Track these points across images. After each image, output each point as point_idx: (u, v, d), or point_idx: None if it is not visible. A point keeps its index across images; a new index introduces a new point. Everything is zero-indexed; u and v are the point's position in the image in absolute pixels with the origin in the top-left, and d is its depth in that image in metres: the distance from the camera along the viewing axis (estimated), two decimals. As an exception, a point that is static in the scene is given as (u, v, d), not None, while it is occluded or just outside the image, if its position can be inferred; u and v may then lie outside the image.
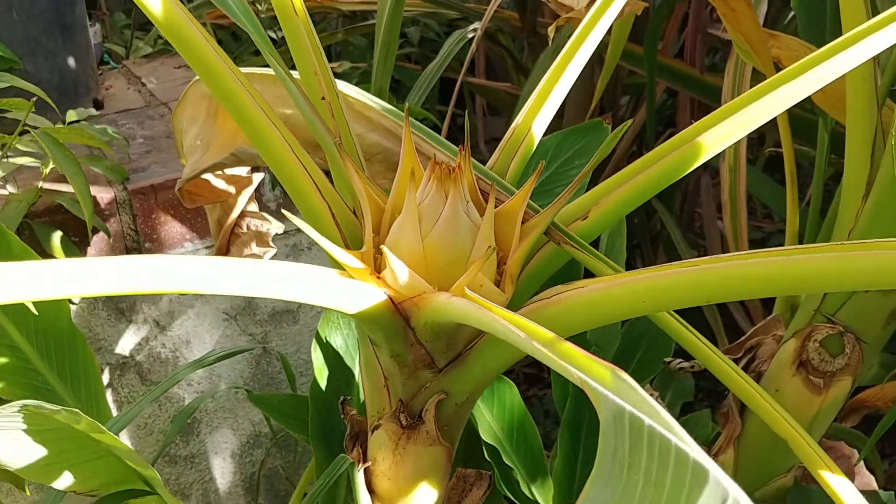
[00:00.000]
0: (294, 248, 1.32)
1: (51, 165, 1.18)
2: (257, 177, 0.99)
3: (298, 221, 0.61)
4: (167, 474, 1.32)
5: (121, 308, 1.23)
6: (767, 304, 1.59)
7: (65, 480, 0.70)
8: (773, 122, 1.65)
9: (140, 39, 1.94)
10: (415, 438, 0.80)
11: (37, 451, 0.66)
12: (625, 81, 2.07)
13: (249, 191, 0.98)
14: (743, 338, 1.06)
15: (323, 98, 0.74)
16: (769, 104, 0.67)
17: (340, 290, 0.63)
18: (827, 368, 0.95)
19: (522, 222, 0.71)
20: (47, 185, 1.19)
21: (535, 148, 0.76)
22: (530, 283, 0.73)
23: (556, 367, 0.46)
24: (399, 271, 0.64)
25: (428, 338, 0.70)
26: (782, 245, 1.39)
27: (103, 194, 1.19)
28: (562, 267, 0.77)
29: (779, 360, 1.00)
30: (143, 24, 2.11)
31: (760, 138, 2.35)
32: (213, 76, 0.65)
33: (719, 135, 0.68)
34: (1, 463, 0.65)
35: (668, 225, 1.80)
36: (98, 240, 1.20)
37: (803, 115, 1.51)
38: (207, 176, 0.95)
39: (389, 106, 0.80)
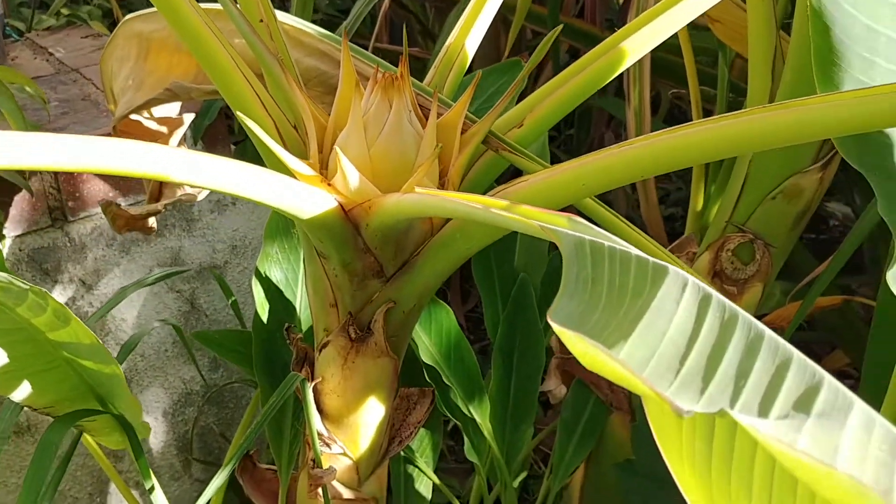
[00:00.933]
0: (218, 203, 1.33)
1: (-35, 123, 1.16)
2: (188, 117, 1.00)
3: (251, 123, 0.63)
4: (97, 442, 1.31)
5: (45, 269, 1.22)
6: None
7: (22, 391, 0.71)
8: (671, 77, 1.73)
9: (42, 13, 1.90)
10: (363, 351, 0.83)
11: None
12: (530, 43, 2.13)
13: (181, 132, 0.99)
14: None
15: (261, 20, 0.76)
16: (679, 13, 0.74)
17: (295, 192, 0.66)
18: (739, 276, 1.03)
19: (462, 132, 0.75)
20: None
21: (468, 65, 0.80)
22: (472, 191, 0.77)
23: (517, 225, 0.50)
24: (350, 175, 0.67)
25: (377, 244, 0.73)
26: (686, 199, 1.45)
27: (22, 152, 1.18)
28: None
29: (695, 272, 1.07)
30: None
31: (656, 102, 2.44)
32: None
33: (639, 41, 0.74)
34: None
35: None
36: (19, 199, 1.19)
37: (703, 70, 1.59)
38: (139, 118, 0.96)
39: (325, 31, 0.82)
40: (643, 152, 0.60)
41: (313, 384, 0.85)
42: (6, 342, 0.66)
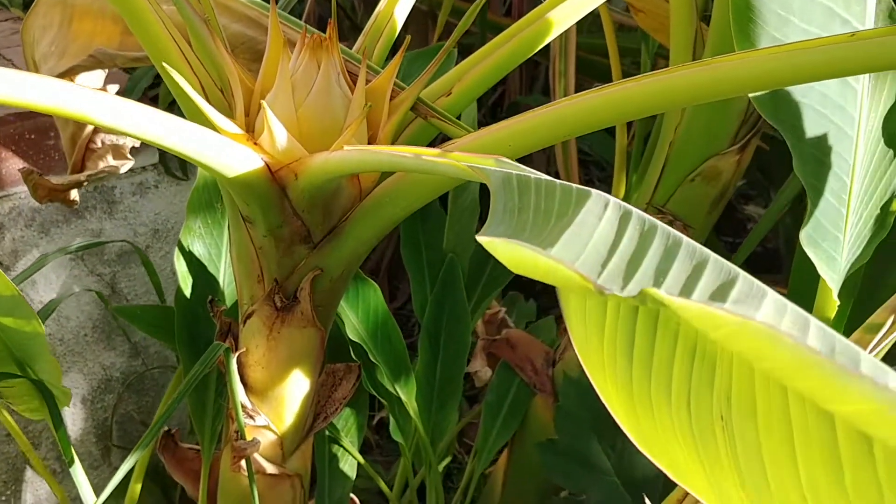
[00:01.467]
0: (140, 186, 1.31)
1: None
2: (112, 88, 0.98)
3: (177, 76, 0.63)
4: (14, 420, 1.27)
5: (-41, 248, 1.18)
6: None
7: None
8: (596, 76, 1.77)
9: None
10: (289, 321, 0.82)
11: None
12: (459, 41, 2.14)
13: (104, 103, 0.97)
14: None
15: (189, -18, 0.75)
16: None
17: (221, 148, 0.65)
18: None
19: (391, 99, 0.75)
20: None
21: (397, 33, 0.80)
22: (398, 158, 0.77)
23: (447, 169, 0.51)
24: (277, 133, 0.67)
25: (305, 207, 0.73)
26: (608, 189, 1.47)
27: (-66, 127, 1.14)
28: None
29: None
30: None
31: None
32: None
33: (565, 12, 0.75)
34: None
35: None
36: (-68, 175, 1.15)
37: (627, 71, 1.63)
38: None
39: (253, -2, 0.82)
40: (569, 111, 0.62)
41: (237, 355, 0.84)
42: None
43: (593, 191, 0.40)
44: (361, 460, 1.05)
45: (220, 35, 0.76)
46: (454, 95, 0.77)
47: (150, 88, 1.30)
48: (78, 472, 0.86)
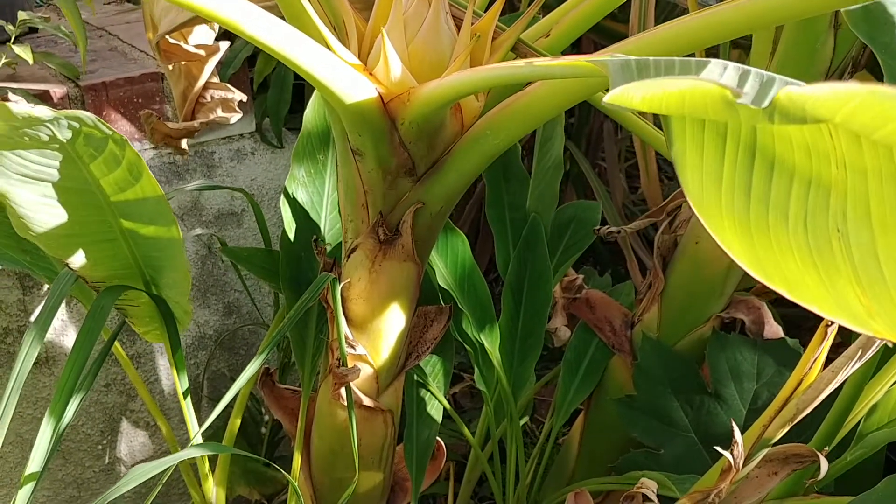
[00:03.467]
0: (238, 152, 1.38)
1: (2, 62, 1.21)
2: (223, 45, 1.05)
3: (308, 6, 0.68)
4: (114, 374, 1.34)
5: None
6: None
7: (78, 259, 0.75)
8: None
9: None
10: (391, 254, 0.88)
11: (59, 216, 0.70)
12: None
13: (215, 59, 1.04)
14: (663, 202, 1.18)
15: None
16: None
17: (343, 73, 0.71)
18: (740, 216, 1.08)
19: (493, 39, 0.80)
20: (-3, 83, 1.21)
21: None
22: (499, 98, 0.82)
23: (563, 71, 0.56)
24: (393, 63, 0.72)
25: (412, 139, 0.78)
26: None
27: (56, 89, 1.22)
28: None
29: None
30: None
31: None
32: None
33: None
34: (31, 224, 0.69)
35: (579, 159, 1.93)
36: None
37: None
38: (180, 42, 1.00)
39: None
40: (695, 24, 0.65)
41: (340, 286, 0.90)
42: (70, 202, 0.70)
43: (713, 59, 0.44)
44: (447, 405, 1.09)
45: (334, -21, 0.82)
46: (553, 37, 0.82)
47: (248, 58, 1.37)
48: (188, 408, 0.91)
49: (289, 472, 1.39)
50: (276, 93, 1.39)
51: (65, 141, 0.63)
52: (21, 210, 0.69)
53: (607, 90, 0.45)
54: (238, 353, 1.45)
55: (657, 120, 1.16)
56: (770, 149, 0.39)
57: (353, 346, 0.92)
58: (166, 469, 0.75)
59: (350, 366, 0.91)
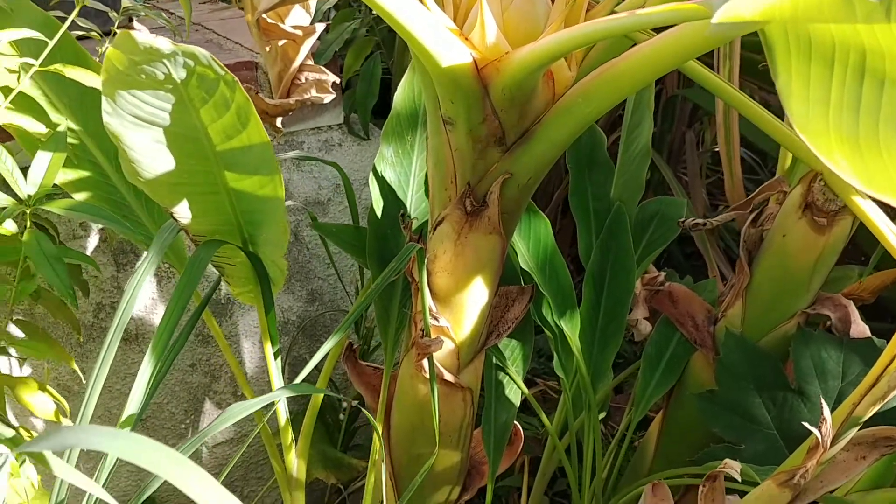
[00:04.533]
0: (326, 143, 1.41)
1: (106, 46, 1.26)
2: (319, 27, 1.08)
3: (409, -34, 0.70)
4: (199, 354, 1.38)
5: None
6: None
7: (183, 209, 0.78)
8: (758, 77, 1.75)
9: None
10: (477, 226, 0.89)
11: (168, 162, 0.73)
12: None
13: (311, 41, 1.07)
14: (751, 196, 1.17)
15: None
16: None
17: (440, 34, 0.72)
18: (830, 208, 1.06)
19: (587, 10, 0.81)
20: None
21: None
22: (591, 69, 0.83)
23: (669, 16, 0.56)
24: (489, 28, 0.74)
25: (504, 105, 0.79)
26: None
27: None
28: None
29: (786, 208, 1.11)
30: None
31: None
32: None
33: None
34: (140, 168, 0.72)
35: (661, 167, 1.92)
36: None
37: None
38: (277, 22, 1.04)
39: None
40: None
41: (426, 259, 0.91)
42: (179, 149, 0.73)
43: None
44: (525, 390, 1.10)
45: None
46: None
47: (337, 52, 1.41)
48: (274, 369, 0.93)
49: (365, 460, 1.41)
50: (365, 86, 1.42)
51: (179, 81, 0.66)
52: (132, 154, 0.72)
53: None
54: (319, 340, 1.47)
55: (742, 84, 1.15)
56: (880, 65, 0.39)
57: (436, 318, 0.93)
58: (244, 444, 0.76)
59: (433, 337, 0.92)
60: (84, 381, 1.27)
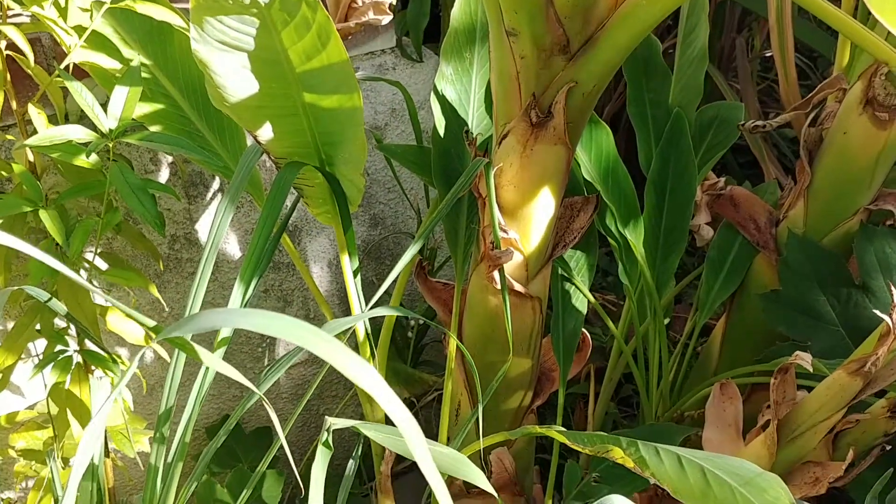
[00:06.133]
0: (380, 67, 1.43)
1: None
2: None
3: None
4: (272, 280, 1.43)
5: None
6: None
7: (266, 132, 0.81)
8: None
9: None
10: (542, 137, 0.91)
11: (252, 86, 0.76)
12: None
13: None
14: (809, 95, 1.17)
15: None
16: None
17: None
18: (892, 102, 1.06)
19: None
20: None
21: None
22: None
23: None
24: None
25: (567, 13, 0.80)
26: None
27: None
28: None
29: (846, 105, 1.11)
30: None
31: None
32: None
33: None
34: (226, 93, 0.75)
35: (713, 73, 1.91)
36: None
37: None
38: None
39: None
40: None
41: (494, 170, 0.93)
42: (262, 73, 0.76)
43: None
44: (591, 298, 1.12)
45: None
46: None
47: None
48: (353, 289, 0.97)
49: (434, 375, 1.46)
50: (416, 6, 1.43)
51: (263, 4, 0.68)
52: (218, 79, 0.75)
53: None
54: (384, 263, 1.51)
55: None
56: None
57: (505, 231, 0.96)
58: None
59: (503, 249, 0.95)
60: (166, 308, 1.32)
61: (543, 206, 0.96)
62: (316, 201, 0.92)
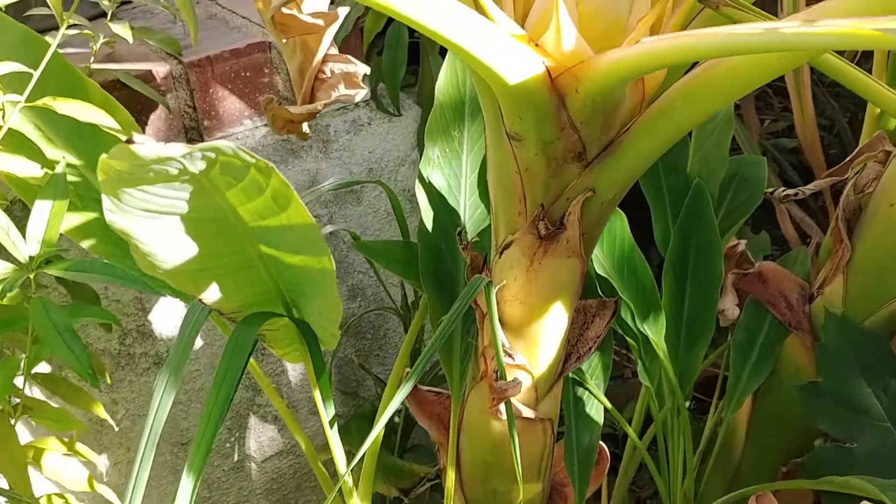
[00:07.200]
0: (354, 123, 1.26)
1: (101, 41, 1.12)
2: (342, 11, 0.93)
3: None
4: (237, 397, 1.27)
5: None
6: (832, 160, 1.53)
7: (212, 293, 0.65)
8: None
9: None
10: (553, 250, 0.75)
11: (189, 249, 0.60)
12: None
13: (333, 29, 0.92)
14: (848, 158, 1.02)
15: None
16: None
17: (506, 47, 0.58)
18: (950, 172, 0.92)
19: (675, -12, 0.66)
20: (96, 66, 1.12)
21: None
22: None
23: (828, 41, 0.41)
24: (566, 31, 0.59)
25: (585, 118, 0.65)
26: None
27: (158, 68, 1.13)
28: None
29: (891, 172, 0.96)
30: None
31: None
32: None
33: None
34: (156, 261, 0.59)
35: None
36: (155, 118, 1.14)
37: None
38: (294, 12, 0.89)
39: None
40: None
41: (498, 286, 0.78)
42: (201, 233, 0.60)
43: None
44: (608, 405, 0.98)
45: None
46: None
47: (359, 18, 1.25)
48: (334, 440, 0.81)
49: (425, 464, 1.31)
50: (392, 54, 1.27)
51: (197, 172, 0.52)
52: (145, 247, 0.59)
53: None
54: (365, 338, 1.36)
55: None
56: None
57: (510, 356, 0.80)
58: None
59: (509, 379, 0.80)
60: (114, 425, 1.17)
61: (554, 321, 0.81)
62: (281, 343, 0.76)
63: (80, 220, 0.83)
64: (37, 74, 0.76)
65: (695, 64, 0.63)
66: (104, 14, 1.15)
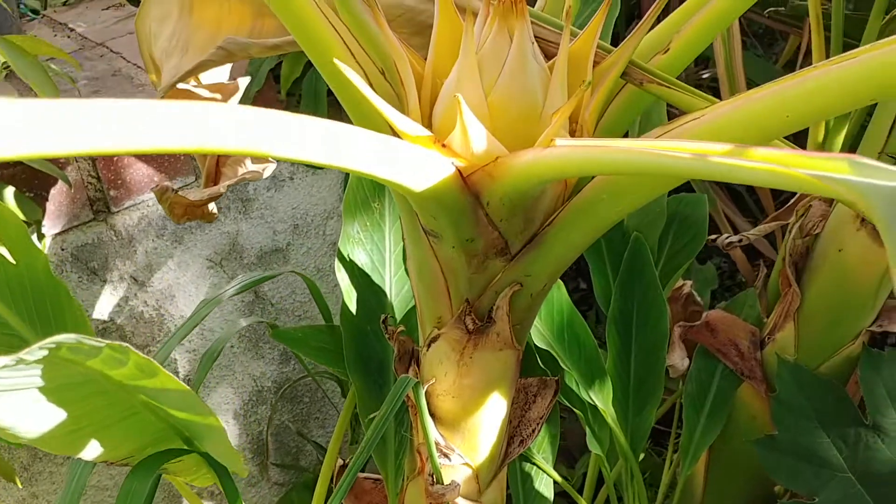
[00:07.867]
0: (274, 180, 1.19)
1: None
2: (243, 82, 0.86)
3: (349, 72, 0.49)
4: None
5: (92, 267, 1.09)
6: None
7: (92, 450, 0.57)
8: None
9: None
10: (483, 344, 0.69)
11: (56, 416, 0.53)
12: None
13: (235, 99, 0.85)
14: (792, 200, 0.98)
15: (334, -51, 0.61)
16: None
17: (408, 158, 0.51)
18: None
19: (594, 65, 0.60)
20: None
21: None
22: (608, 137, 0.62)
23: (774, 178, 0.36)
24: (473, 131, 0.53)
25: (503, 216, 0.59)
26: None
27: (55, 139, 1.04)
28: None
29: (839, 217, 0.92)
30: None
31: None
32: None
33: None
34: (19, 433, 0.52)
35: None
36: (56, 193, 1.06)
37: None
38: (188, 86, 0.81)
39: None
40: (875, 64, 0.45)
41: (427, 386, 0.71)
42: (67, 398, 0.53)
43: None
44: (558, 478, 0.92)
45: (377, 8, 0.62)
46: (672, 53, 0.61)
47: (272, 69, 1.18)
48: None
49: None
50: (310, 104, 1.20)
51: (41, 357, 0.45)
52: (3, 423, 0.52)
53: None
54: (302, 402, 1.28)
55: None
56: None
57: (447, 456, 0.74)
58: None
59: (447, 481, 0.73)
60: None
61: (492, 411, 0.75)
62: (186, 472, 0.68)
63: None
64: None
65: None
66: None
